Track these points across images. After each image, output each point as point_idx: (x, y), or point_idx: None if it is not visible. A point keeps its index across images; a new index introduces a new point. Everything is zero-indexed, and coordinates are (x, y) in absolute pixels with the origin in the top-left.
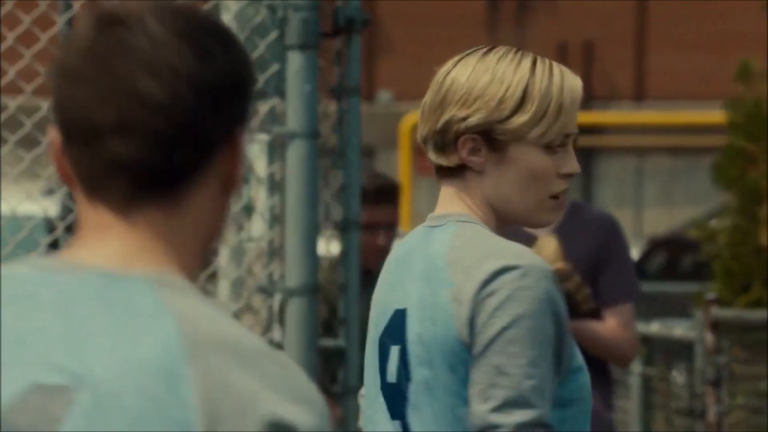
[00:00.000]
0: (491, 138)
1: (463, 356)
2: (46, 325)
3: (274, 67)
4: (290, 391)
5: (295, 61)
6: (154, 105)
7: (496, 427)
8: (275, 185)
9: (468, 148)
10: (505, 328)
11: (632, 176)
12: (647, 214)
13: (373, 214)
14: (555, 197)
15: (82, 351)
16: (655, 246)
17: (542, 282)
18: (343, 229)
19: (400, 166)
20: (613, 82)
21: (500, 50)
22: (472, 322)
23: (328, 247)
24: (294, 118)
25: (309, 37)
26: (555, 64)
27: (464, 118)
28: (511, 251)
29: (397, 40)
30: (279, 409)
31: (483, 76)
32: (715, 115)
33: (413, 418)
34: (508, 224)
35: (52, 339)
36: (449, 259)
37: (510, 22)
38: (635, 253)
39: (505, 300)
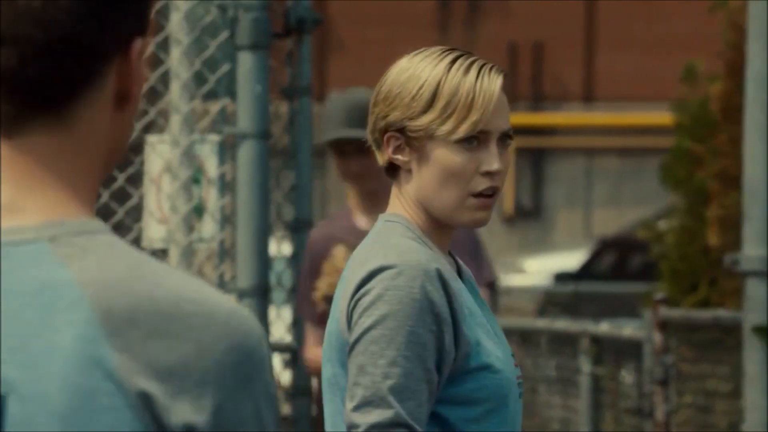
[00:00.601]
0: (409, 136)
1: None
2: None
3: (225, 68)
4: (202, 363)
5: (246, 61)
6: (28, 12)
7: (355, 426)
8: (226, 186)
9: (392, 146)
10: (369, 328)
11: (582, 177)
12: (597, 214)
13: None
14: (479, 196)
15: None
16: (604, 246)
17: (417, 282)
18: (295, 229)
19: None
20: (562, 83)
21: (431, 50)
22: (350, 321)
23: (280, 247)
24: (245, 118)
25: (260, 37)
26: (478, 63)
27: (385, 116)
28: (397, 251)
29: (348, 40)
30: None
31: (403, 75)
32: (663, 116)
33: (325, 414)
34: (443, 224)
35: None
36: (352, 259)
37: (461, 22)
38: (585, 254)
39: (375, 299)
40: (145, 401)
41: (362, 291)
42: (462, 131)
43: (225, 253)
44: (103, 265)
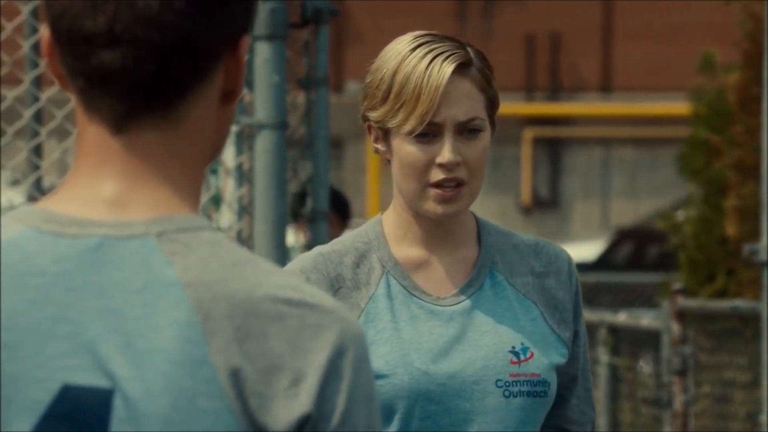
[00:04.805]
0: (375, 126)
1: None
2: (63, 314)
3: None
4: (313, 344)
5: (263, 51)
6: (145, 14)
7: None
8: (243, 176)
9: (373, 135)
10: None
11: (599, 167)
12: (614, 205)
13: None
14: (438, 186)
15: (101, 345)
16: (622, 237)
17: None
18: (312, 220)
19: (368, 157)
20: (579, 74)
21: (405, 37)
22: None
23: (297, 238)
24: (262, 108)
25: (277, 27)
26: (434, 52)
27: (361, 105)
28: (299, 256)
29: (365, 30)
30: (311, 374)
31: (376, 63)
32: (680, 106)
33: None
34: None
35: (74, 329)
36: None
37: (478, 13)
38: (603, 244)
39: None
40: (243, 402)
41: None
42: (410, 124)
43: (242, 243)
44: (205, 265)
